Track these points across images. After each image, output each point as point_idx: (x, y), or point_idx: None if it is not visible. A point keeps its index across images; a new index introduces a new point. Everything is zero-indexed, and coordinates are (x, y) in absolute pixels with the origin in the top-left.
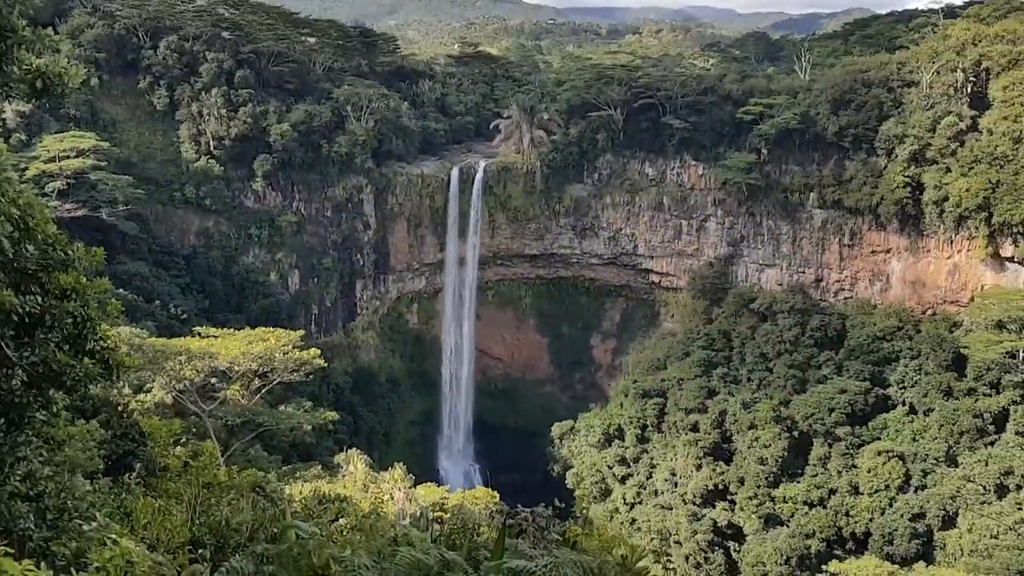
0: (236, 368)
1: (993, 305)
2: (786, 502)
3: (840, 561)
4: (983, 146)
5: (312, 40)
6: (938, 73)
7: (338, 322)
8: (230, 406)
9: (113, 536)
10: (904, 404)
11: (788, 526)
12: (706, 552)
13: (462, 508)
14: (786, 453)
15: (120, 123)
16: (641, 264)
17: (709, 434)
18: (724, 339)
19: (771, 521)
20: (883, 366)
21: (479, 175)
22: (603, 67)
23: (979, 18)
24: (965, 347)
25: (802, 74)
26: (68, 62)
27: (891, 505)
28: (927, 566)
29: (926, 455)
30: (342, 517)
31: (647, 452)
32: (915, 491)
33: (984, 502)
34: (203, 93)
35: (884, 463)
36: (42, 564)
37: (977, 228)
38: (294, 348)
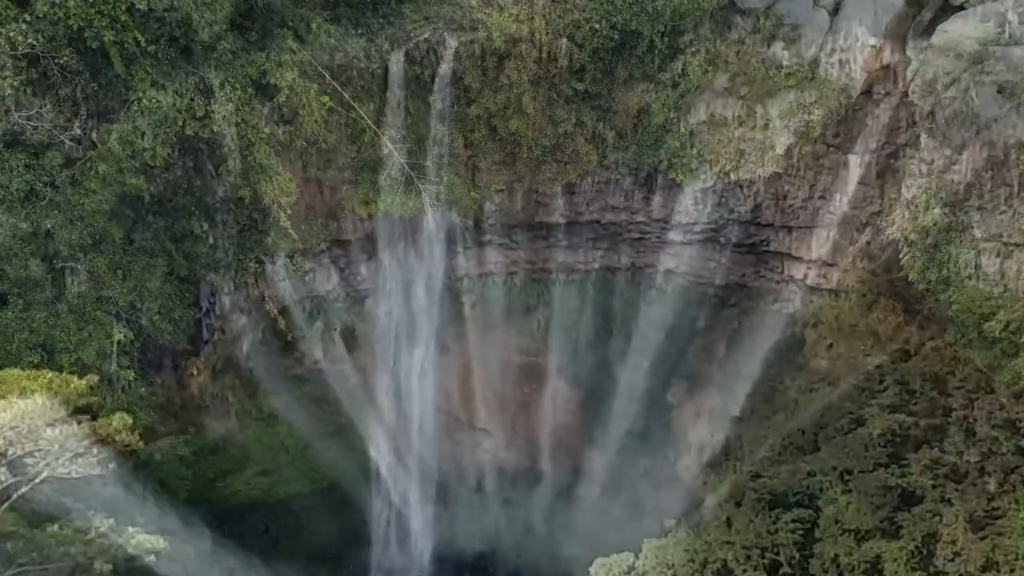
0: None
1: None
2: None
3: None
4: None
5: None
6: None
7: (164, 358)
8: None
9: None
10: None
11: None
12: None
13: None
14: None
15: None
16: (768, 243)
17: None
18: (932, 389)
19: None
20: None
21: (446, 64)
22: None
23: None
24: None
25: None
26: None
27: None
28: None
29: None
30: None
31: None
32: None
33: None
34: None
35: None
36: None
37: None
38: (77, 412)
